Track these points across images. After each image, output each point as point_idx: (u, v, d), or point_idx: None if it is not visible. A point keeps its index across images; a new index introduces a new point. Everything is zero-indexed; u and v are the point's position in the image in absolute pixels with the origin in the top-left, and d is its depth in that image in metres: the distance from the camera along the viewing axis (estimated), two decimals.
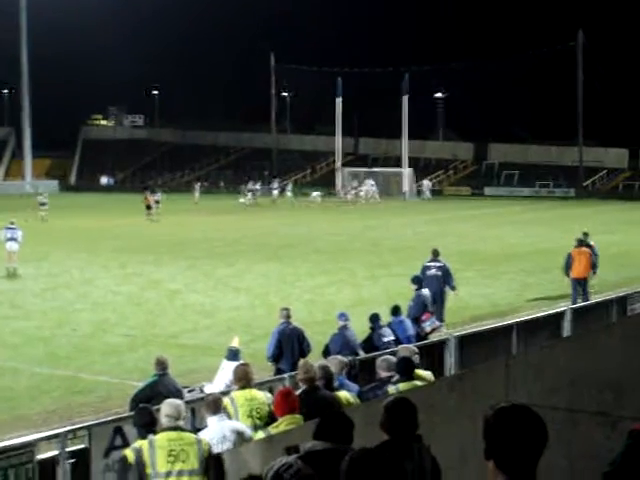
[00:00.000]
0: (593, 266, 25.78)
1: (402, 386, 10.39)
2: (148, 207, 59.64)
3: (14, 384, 16.81)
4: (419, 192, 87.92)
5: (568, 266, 24.77)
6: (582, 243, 25.46)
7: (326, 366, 10.73)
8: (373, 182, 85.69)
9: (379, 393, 10.32)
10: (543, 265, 33.32)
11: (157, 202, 60.99)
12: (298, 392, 9.99)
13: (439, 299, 21.60)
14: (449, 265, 22.63)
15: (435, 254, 22.58)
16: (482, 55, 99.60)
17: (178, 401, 9.14)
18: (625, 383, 5.37)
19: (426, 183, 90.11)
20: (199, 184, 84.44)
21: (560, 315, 18.23)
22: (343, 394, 10.43)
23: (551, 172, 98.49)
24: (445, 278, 22.07)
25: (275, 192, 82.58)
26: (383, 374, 11.12)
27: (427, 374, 11.59)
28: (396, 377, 10.89)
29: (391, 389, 10.44)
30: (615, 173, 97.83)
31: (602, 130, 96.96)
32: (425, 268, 22.19)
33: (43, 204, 58.77)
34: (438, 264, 22.25)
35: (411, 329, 16.45)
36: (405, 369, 10.91)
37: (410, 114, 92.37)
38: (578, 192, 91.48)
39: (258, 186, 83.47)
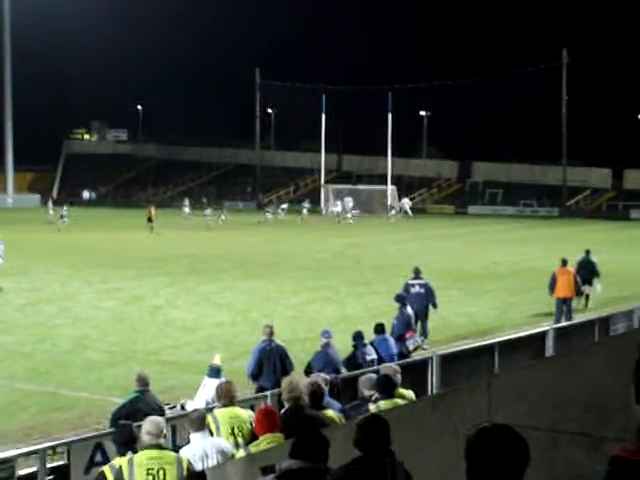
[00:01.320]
0: (589, 281, 27.45)
1: (383, 404, 10.35)
2: (149, 220, 61.25)
3: None
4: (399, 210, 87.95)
5: (552, 286, 25.09)
6: (565, 263, 25.83)
7: (316, 382, 10.66)
8: (350, 199, 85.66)
9: (362, 411, 10.26)
10: (526, 284, 33.37)
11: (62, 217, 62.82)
12: (282, 410, 9.91)
13: (423, 316, 21.82)
14: (431, 283, 22.69)
15: (417, 272, 22.73)
16: (466, 74, 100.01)
17: (159, 418, 9.06)
18: (608, 404, 5.34)
19: (406, 201, 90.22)
20: (188, 200, 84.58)
21: (543, 335, 18.24)
22: (330, 412, 10.36)
23: (535, 191, 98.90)
24: (428, 296, 22.20)
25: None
26: (366, 392, 11.07)
27: (409, 393, 11.55)
28: (376, 395, 10.84)
29: (372, 407, 10.39)
30: (599, 193, 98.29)
31: (586, 150, 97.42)
32: (408, 286, 22.35)
33: (62, 216, 62.58)
34: (421, 282, 22.42)
35: (394, 347, 16.42)
36: (386, 387, 10.87)
37: (394, 132, 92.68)
38: (562, 211, 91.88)
39: (285, 205, 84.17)
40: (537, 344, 18.02)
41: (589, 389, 5.57)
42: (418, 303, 21.50)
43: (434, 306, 22.40)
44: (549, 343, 17.89)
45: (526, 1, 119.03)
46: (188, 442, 9.65)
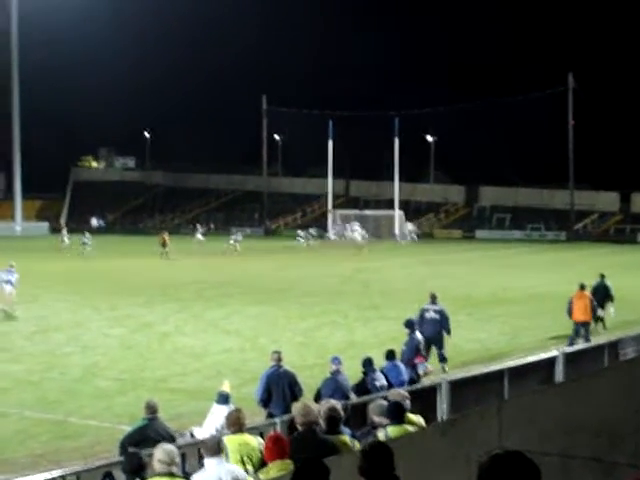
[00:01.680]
0: (602, 304, 27.66)
1: (391, 430, 10.31)
2: (163, 245, 62.10)
3: (2, 428, 16.63)
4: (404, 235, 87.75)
5: (570, 310, 25.36)
6: (583, 288, 26.03)
7: (334, 407, 10.63)
8: (358, 225, 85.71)
9: (371, 438, 10.23)
10: (535, 309, 33.32)
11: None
12: (294, 435, 9.86)
13: (437, 342, 21.89)
14: (447, 310, 22.70)
15: (433, 298, 22.78)
16: (473, 99, 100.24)
17: (171, 446, 9.05)
18: (618, 429, 5.33)
19: (410, 226, 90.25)
20: (200, 225, 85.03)
21: (552, 360, 18.18)
22: (345, 438, 10.33)
23: (542, 215, 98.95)
24: (442, 322, 22.25)
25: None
26: (375, 419, 11.03)
27: (418, 419, 11.51)
28: (386, 422, 10.81)
29: (380, 434, 10.36)
30: (606, 216, 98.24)
31: (593, 173, 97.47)
32: (423, 311, 22.46)
33: (85, 243, 64.70)
34: (437, 307, 22.47)
35: (405, 374, 16.38)
36: (395, 413, 10.84)
37: (401, 157, 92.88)
38: (569, 235, 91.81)
39: (313, 231, 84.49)
40: (546, 369, 17.96)
41: (599, 414, 5.56)
42: (432, 329, 21.70)
43: (447, 332, 22.40)
44: (559, 368, 17.83)
45: (533, 26, 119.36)
46: (202, 467, 9.61)
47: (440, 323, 22.23)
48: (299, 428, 10.25)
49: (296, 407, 10.60)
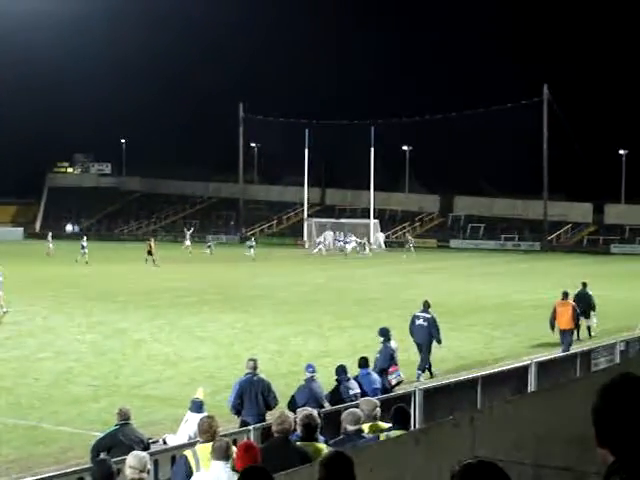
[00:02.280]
0: (586, 313, 28.24)
1: (393, 434, 10.45)
2: (149, 253, 61.97)
3: None
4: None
5: (553, 318, 25.69)
6: (566, 296, 26.40)
7: (311, 414, 10.66)
8: (332, 233, 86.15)
9: (346, 447, 10.26)
10: (509, 318, 33.48)
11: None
12: (267, 443, 9.86)
13: (425, 349, 22.39)
14: (437, 317, 22.99)
15: (426, 305, 23.13)
16: (449, 109, 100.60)
17: (143, 453, 9.05)
18: (590, 438, 5.37)
19: (380, 236, 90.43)
20: (190, 231, 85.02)
21: (525, 369, 18.28)
22: (321, 445, 10.36)
23: (516, 225, 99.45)
24: (431, 329, 22.54)
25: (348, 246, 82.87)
26: (349, 427, 11.06)
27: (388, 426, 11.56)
28: (389, 425, 10.96)
29: (382, 436, 10.46)
30: (580, 227, 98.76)
31: (567, 184, 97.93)
32: (414, 318, 22.94)
33: (83, 247, 64.14)
34: (426, 315, 22.78)
35: (378, 382, 16.42)
36: (400, 418, 11.05)
37: (377, 166, 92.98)
38: (543, 246, 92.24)
39: (325, 239, 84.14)
40: (520, 378, 18.07)
41: (571, 424, 5.60)
42: (421, 335, 22.46)
43: (438, 341, 22.68)
44: (531, 377, 17.94)
45: (508, 37, 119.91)
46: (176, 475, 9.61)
47: (428, 330, 22.51)
48: (275, 436, 10.27)
49: (273, 415, 10.61)
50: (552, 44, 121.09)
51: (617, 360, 20.61)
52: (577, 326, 26.70)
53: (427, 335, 22.51)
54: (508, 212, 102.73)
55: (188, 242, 78.97)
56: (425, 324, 22.53)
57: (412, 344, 23.21)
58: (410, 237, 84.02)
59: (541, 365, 18.53)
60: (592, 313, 29.25)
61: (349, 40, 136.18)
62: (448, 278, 52.33)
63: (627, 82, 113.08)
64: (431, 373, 22.34)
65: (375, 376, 16.59)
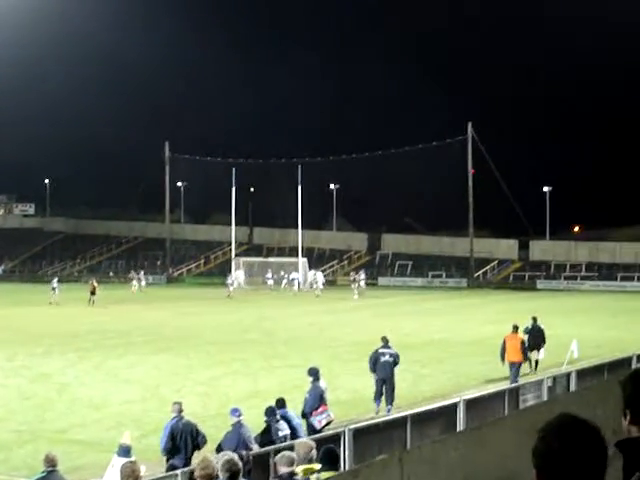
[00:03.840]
0: (538, 347, 28.95)
1: (324, 475, 10.42)
2: (92, 293, 62.33)
3: None
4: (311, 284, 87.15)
5: (503, 351, 26.46)
6: (516, 329, 27.36)
7: (232, 460, 10.53)
8: (242, 272, 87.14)
9: None
10: (437, 355, 33.64)
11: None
12: None
13: (389, 384, 22.90)
14: (398, 353, 23.55)
15: (385, 341, 23.65)
16: (374, 148, 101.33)
17: None
18: (518, 478, 5.37)
19: (319, 275, 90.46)
20: (140, 273, 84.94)
21: (454, 406, 18.34)
22: None
23: (443, 262, 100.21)
24: (395, 364, 23.23)
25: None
26: (283, 469, 10.97)
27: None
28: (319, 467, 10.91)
29: (313, 478, 10.50)
30: (505, 264, 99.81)
31: (492, 221, 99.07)
32: (379, 354, 23.27)
33: (54, 289, 64.58)
34: (390, 351, 23.37)
35: (296, 418, 16.47)
36: (329, 459, 11.09)
37: (304, 205, 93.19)
38: (470, 282, 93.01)
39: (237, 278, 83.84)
40: (449, 416, 18.12)
41: (500, 463, 5.60)
42: (386, 371, 22.90)
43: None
44: (460, 415, 18.00)
45: (433, 75, 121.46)
46: None
47: (393, 365, 23.12)
48: None
49: (197, 459, 10.47)
50: (476, 82, 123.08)
51: (544, 397, 20.76)
52: (526, 359, 27.31)
53: (391, 370, 23.02)
54: (435, 249, 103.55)
55: (143, 282, 79.25)
56: (391, 359, 23.12)
57: (341, 384, 23.19)
58: (361, 274, 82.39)
59: (469, 402, 18.60)
60: (543, 346, 29.70)
61: (271, 77, 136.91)
62: (376, 316, 52.43)
63: (551, 120, 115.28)
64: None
65: (292, 413, 16.57)
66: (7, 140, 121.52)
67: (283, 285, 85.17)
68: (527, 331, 29.29)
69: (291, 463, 11.00)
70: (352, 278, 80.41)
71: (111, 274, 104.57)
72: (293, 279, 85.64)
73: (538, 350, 29.31)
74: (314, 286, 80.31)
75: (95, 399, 24.37)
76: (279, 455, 11.42)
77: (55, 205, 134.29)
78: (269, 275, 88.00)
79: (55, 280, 67.62)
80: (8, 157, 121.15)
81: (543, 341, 29.73)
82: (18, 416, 22.04)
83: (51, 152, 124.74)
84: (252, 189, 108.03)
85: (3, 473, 16.53)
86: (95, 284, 63.87)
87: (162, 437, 15.06)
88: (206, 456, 11.22)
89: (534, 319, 30.54)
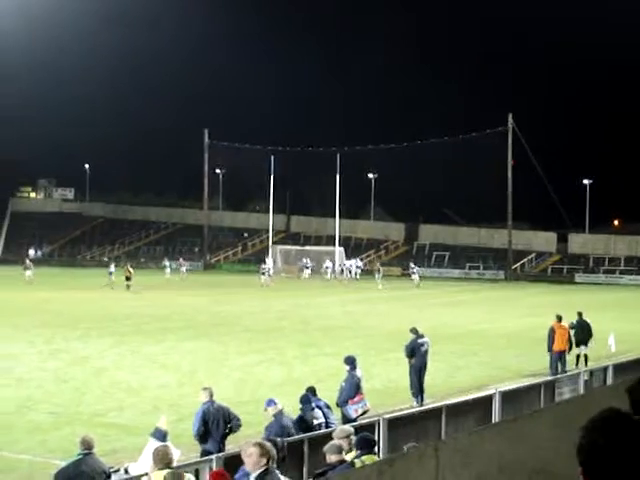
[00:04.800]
0: (585, 342, 28.81)
1: (366, 459, 10.56)
2: (127, 278, 62.97)
3: None
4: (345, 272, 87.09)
5: (551, 340, 26.78)
6: (561, 319, 27.62)
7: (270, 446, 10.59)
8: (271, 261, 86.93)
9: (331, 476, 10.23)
10: (472, 347, 33.51)
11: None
12: (255, 474, 9.62)
13: (424, 373, 22.97)
14: None
15: (418, 331, 23.54)
16: (414, 138, 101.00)
17: None
18: (554, 470, 5.36)
19: (357, 262, 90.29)
20: (180, 260, 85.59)
21: (490, 398, 18.29)
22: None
23: (481, 254, 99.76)
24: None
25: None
26: (333, 458, 11.02)
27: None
28: (358, 452, 11.01)
29: (357, 462, 10.52)
30: (544, 256, 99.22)
31: (531, 213, 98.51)
32: (418, 345, 23.22)
33: (110, 273, 66.00)
34: (427, 340, 23.46)
35: (326, 406, 16.49)
36: (365, 444, 11.24)
37: (342, 193, 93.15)
38: (507, 275, 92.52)
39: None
40: (484, 407, 18.07)
41: (536, 455, 5.58)
42: (424, 360, 23.00)
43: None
44: (496, 406, 17.95)
45: (474, 65, 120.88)
46: None
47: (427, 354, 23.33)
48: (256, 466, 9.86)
49: (254, 443, 10.19)
50: (518, 73, 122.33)
51: (581, 390, 20.67)
52: (570, 349, 27.48)
53: (427, 359, 23.29)
54: (473, 241, 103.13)
55: (184, 268, 79.49)
56: (428, 349, 23.33)
57: (377, 374, 23.18)
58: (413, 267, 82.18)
59: (505, 395, 18.55)
60: (590, 341, 29.28)
61: (316, 67, 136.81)
62: (412, 306, 52.33)
63: (592, 112, 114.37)
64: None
65: (322, 400, 16.52)
66: (48, 125, 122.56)
67: (322, 270, 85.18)
68: (573, 326, 28.87)
69: (340, 451, 11.07)
70: (412, 269, 79.31)
71: (142, 260, 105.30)
72: (327, 267, 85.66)
73: (585, 345, 28.90)
74: (348, 275, 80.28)
75: (132, 383, 24.53)
76: (328, 445, 11.43)
77: (94, 190, 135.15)
78: (307, 263, 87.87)
79: (112, 265, 68.40)
80: (48, 142, 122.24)
81: (590, 336, 29.22)
82: (55, 399, 22.21)
83: (91, 137, 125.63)
84: (290, 177, 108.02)
85: (39, 455, 16.67)
86: (130, 269, 64.47)
87: (194, 422, 15.12)
88: (263, 442, 11.12)
89: (580, 314, 29.98)
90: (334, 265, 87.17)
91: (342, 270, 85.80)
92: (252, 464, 9.45)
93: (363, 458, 10.65)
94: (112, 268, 66.90)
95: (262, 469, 9.43)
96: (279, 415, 14.79)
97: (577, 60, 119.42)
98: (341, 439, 11.62)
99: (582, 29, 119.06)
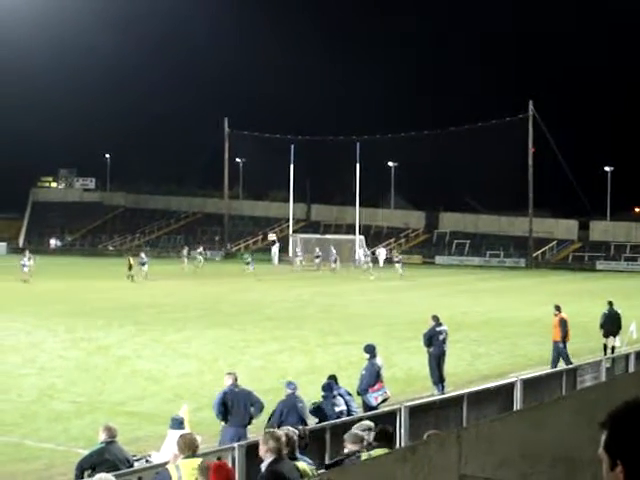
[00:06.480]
0: (614, 333, 28.51)
1: (375, 452, 10.44)
2: (130, 268, 61.70)
3: None
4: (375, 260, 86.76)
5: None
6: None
7: (289, 434, 10.58)
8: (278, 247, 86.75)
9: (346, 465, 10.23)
10: (494, 335, 33.46)
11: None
12: (266, 462, 9.65)
13: (443, 361, 22.95)
14: None
15: (439, 319, 23.53)
16: (433, 125, 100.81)
17: (108, 476, 9.10)
18: (576, 457, 5.35)
19: (382, 252, 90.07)
20: (200, 249, 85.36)
21: (511, 386, 18.26)
22: (301, 464, 10.29)
23: (501, 242, 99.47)
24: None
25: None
26: (350, 447, 10.99)
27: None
28: (374, 444, 10.95)
29: (364, 455, 10.45)
30: (565, 244, 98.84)
31: (552, 201, 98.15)
32: (437, 333, 23.21)
33: (143, 264, 63.82)
34: (445, 328, 23.47)
35: (347, 394, 16.52)
36: (383, 437, 11.10)
37: (362, 182, 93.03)
38: (528, 262, 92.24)
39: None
40: (505, 395, 18.04)
41: (557, 442, 5.57)
42: (443, 349, 23.01)
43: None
44: (517, 394, 17.91)
45: (493, 53, 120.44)
46: None
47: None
48: (268, 454, 9.93)
49: (267, 433, 10.38)
50: (538, 60, 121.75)
51: (603, 378, 20.60)
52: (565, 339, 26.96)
53: (445, 348, 23.27)
54: (493, 228, 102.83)
55: (200, 257, 79.50)
56: (447, 337, 23.32)
57: (397, 362, 23.16)
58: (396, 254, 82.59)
59: (527, 383, 18.51)
60: (619, 333, 28.46)
61: (335, 56, 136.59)
62: (433, 295, 52.29)
63: (613, 99, 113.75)
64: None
65: (343, 389, 16.56)
66: (69, 115, 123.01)
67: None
68: (604, 316, 28.38)
69: (360, 441, 11.02)
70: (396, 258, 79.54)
71: (148, 249, 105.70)
72: (358, 258, 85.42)
73: (614, 336, 28.15)
74: (365, 265, 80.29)
75: (153, 372, 24.62)
76: (348, 433, 11.40)
77: (115, 180, 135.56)
78: (318, 252, 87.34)
79: (143, 254, 67.60)
80: (70, 132, 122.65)
81: (619, 327, 28.37)
82: (77, 387, 22.32)
83: (112, 127, 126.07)
84: (310, 166, 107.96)
85: (62, 444, 16.76)
86: (131, 260, 63.13)
87: (213, 403, 15.24)
88: (275, 430, 11.16)
89: (610, 303, 29.07)
90: (363, 254, 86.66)
91: (370, 259, 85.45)
92: (262, 455, 9.76)
93: (372, 452, 10.53)
94: (144, 258, 65.36)
95: (272, 458, 9.56)
96: (292, 396, 14.95)
97: (598, 46, 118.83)
98: (363, 432, 11.59)
99: (604, 16, 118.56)
